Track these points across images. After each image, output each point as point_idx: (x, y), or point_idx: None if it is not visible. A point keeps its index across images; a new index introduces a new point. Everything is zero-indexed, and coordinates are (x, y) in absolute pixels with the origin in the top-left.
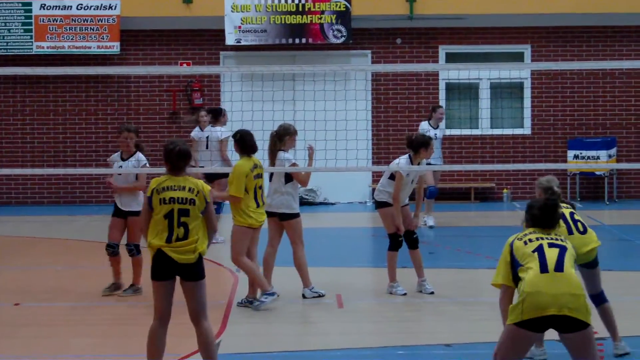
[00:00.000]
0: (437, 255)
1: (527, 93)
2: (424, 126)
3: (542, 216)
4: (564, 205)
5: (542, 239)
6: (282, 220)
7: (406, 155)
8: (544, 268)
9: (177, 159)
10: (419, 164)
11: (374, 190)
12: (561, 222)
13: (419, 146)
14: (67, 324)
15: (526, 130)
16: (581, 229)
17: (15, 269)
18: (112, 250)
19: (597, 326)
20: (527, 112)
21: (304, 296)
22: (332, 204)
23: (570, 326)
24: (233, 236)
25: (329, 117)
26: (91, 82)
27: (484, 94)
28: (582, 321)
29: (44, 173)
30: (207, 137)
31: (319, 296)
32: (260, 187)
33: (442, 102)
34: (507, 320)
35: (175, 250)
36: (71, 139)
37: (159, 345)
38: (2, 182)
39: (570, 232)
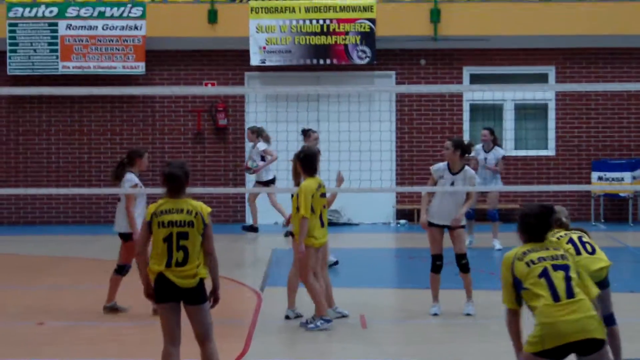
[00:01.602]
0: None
1: (552, 114)
2: (477, 148)
3: (537, 224)
4: (574, 230)
5: (543, 259)
6: None
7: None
8: (555, 297)
9: (168, 182)
10: (461, 168)
11: (397, 211)
12: (570, 245)
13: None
14: (90, 343)
15: (550, 151)
16: (590, 249)
17: (40, 288)
18: None
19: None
20: (552, 134)
21: None
22: (356, 224)
23: (590, 348)
24: (299, 257)
25: (353, 138)
26: (116, 102)
27: (508, 115)
28: (601, 340)
29: (68, 193)
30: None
31: (343, 316)
32: (325, 207)
33: (465, 123)
34: (523, 348)
35: (176, 274)
36: (96, 158)
37: None
38: (27, 201)
39: (578, 253)
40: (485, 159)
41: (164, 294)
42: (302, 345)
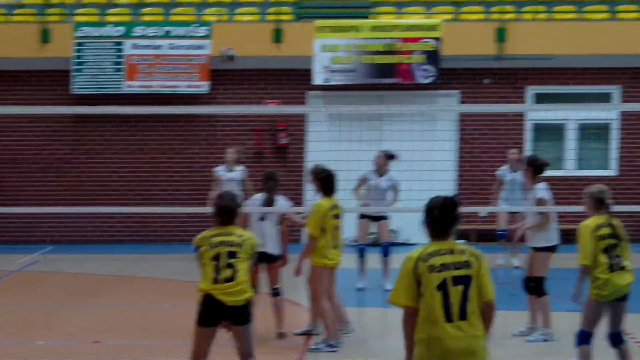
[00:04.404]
0: (519, 298)
1: (615, 134)
2: (504, 170)
3: (442, 217)
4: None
5: (445, 267)
6: None
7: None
8: (448, 317)
9: (221, 213)
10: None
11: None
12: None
13: None
14: None
15: (613, 171)
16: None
17: (97, 307)
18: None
19: None
20: (614, 154)
21: None
22: (413, 244)
23: None
24: (310, 276)
25: (415, 157)
26: (180, 122)
27: (571, 135)
28: None
29: (128, 211)
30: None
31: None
32: (337, 228)
33: (528, 143)
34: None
35: (224, 292)
36: (157, 177)
37: None
38: (87, 219)
39: None
40: (513, 179)
41: (209, 316)
42: None
